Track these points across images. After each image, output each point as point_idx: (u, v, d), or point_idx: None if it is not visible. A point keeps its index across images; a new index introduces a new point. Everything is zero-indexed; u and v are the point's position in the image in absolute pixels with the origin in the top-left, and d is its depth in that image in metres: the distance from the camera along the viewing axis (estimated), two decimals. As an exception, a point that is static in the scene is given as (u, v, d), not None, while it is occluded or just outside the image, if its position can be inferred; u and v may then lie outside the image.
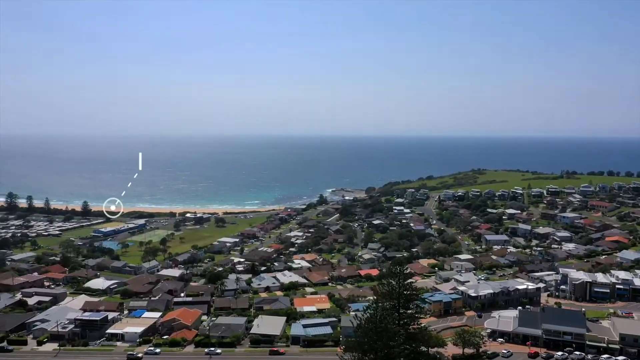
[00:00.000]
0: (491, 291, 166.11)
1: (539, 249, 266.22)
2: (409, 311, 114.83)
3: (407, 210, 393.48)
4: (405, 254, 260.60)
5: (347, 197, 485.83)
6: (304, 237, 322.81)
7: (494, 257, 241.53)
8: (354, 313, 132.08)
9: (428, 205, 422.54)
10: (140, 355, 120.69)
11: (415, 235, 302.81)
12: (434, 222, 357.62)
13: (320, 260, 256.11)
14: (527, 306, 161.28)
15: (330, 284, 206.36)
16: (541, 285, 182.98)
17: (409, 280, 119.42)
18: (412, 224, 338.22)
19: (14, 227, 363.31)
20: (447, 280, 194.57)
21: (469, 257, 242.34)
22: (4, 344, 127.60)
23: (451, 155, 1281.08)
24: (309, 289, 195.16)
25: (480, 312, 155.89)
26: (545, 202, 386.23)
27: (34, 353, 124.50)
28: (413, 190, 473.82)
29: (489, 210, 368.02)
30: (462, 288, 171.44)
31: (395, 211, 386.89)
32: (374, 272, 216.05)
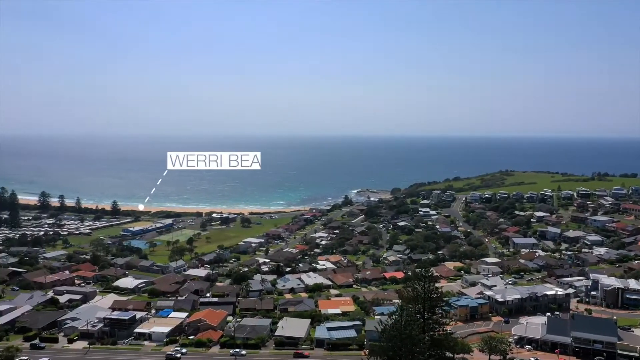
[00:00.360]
0: (519, 296, 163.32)
1: (568, 253, 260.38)
2: (435, 316, 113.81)
3: (433, 212, 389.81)
4: (430, 257, 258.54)
5: (372, 198, 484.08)
6: (329, 238, 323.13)
7: (521, 260, 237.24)
8: (378, 317, 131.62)
9: (454, 207, 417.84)
10: (179, 355, 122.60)
11: (441, 238, 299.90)
12: (461, 224, 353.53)
13: (345, 261, 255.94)
14: (556, 312, 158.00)
15: (354, 286, 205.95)
16: (571, 291, 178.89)
17: (435, 284, 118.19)
18: (438, 226, 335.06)
19: (46, 226, 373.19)
20: (473, 284, 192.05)
21: (496, 260, 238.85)
22: (37, 341, 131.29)
23: (478, 156, 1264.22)
24: (333, 291, 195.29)
25: (507, 318, 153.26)
26: (575, 204, 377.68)
27: (64, 350, 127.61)
28: (439, 191, 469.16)
29: (517, 212, 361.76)
30: (488, 293, 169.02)
31: (421, 213, 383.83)
32: (399, 274, 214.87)
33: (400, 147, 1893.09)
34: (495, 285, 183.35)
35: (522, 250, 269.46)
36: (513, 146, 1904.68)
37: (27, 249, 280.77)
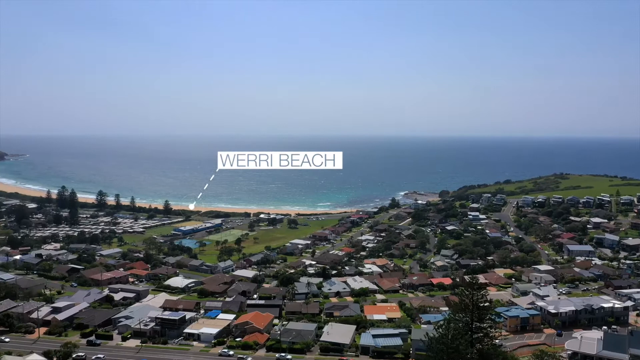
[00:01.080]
0: (573, 308, 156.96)
1: (627, 262, 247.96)
2: (483, 326, 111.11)
3: (483, 216, 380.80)
4: (479, 263, 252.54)
5: (419, 201, 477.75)
6: (375, 241, 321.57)
7: (576, 269, 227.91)
8: (425, 327, 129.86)
9: (505, 212, 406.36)
10: (231, 353, 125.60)
11: (491, 243, 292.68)
12: (512, 229, 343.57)
13: (392, 265, 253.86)
14: (613, 327, 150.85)
15: (401, 291, 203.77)
16: (630, 303, 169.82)
17: (483, 292, 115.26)
18: (487, 231, 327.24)
19: (103, 224, 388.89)
20: (524, 293, 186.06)
21: (549, 268, 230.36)
22: (93, 337, 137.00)
23: (530, 158, 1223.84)
24: (379, 296, 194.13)
25: (560, 331, 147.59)
26: (635, 210, 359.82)
27: (118, 348, 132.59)
28: (489, 195, 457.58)
29: (572, 218, 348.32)
30: (541, 303, 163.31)
31: (470, 217, 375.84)
32: (447, 281, 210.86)
33: (447, 148, 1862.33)
34: (548, 295, 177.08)
35: (577, 258, 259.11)
36: (568, 148, 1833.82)
37: (85, 246, 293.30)
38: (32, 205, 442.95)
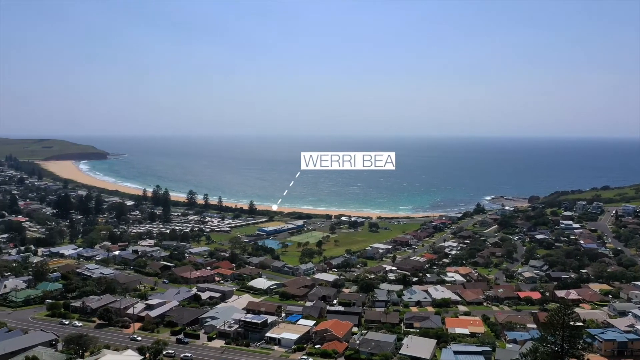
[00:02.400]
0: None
1: None
2: (574, 349, 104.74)
3: (577, 225, 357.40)
4: (572, 276, 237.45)
5: (506, 207, 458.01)
6: (459, 248, 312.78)
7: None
8: (510, 346, 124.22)
9: (602, 221, 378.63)
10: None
11: (586, 255, 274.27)
12: (609, 240, 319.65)
13: (475, 274, 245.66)
14: None
15: (485, 304, 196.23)
16: None
17: (575, 310, 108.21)
18: (581, 241, 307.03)
19: (192, 222, 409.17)
20: (623, 313, 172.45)
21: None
22: (181, 336, 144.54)
23: (633, 162, 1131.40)
24: (461, 308, 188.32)
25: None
26: None
27: (204, 347, 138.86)
28: (584, 202, 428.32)
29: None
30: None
31: (562, 225, 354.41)
32: (535, 295, 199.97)
33: (534, 150, 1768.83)
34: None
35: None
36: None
37: (176, 244, 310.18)
38: (129, 203, 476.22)
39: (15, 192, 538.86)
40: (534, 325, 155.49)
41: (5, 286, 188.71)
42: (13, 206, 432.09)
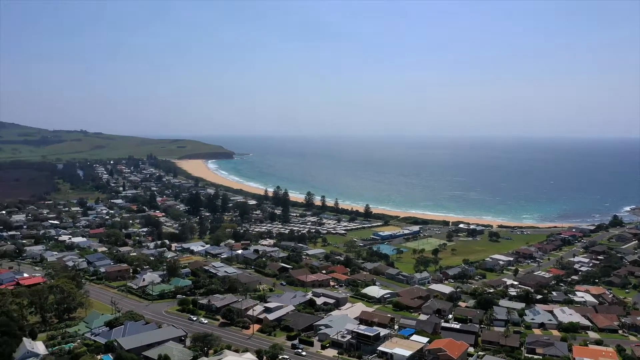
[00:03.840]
0: None
1: None
2: None
3: None
4: None
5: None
6: (591, 264, 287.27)
7: None
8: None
9: None
10: None
11: None
12: None
13: (610, 296, 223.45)
14: None
15: (620, 332, 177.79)
16: None
17: None
18: None
19: (309, 223, 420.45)
20: None
21: None
22: (296, 341, 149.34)
23: None
24: (592, 334, 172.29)
25: None
26: None
27: (317, 355, 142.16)
28: None
29: None
30: None
31: None
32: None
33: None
34: None
35: None
36: None
37: (294, 244, 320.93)
38: (252, 202, 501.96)
39: (154, 188, 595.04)
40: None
41: (144, 280, 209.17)
42: (152, 202, 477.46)
